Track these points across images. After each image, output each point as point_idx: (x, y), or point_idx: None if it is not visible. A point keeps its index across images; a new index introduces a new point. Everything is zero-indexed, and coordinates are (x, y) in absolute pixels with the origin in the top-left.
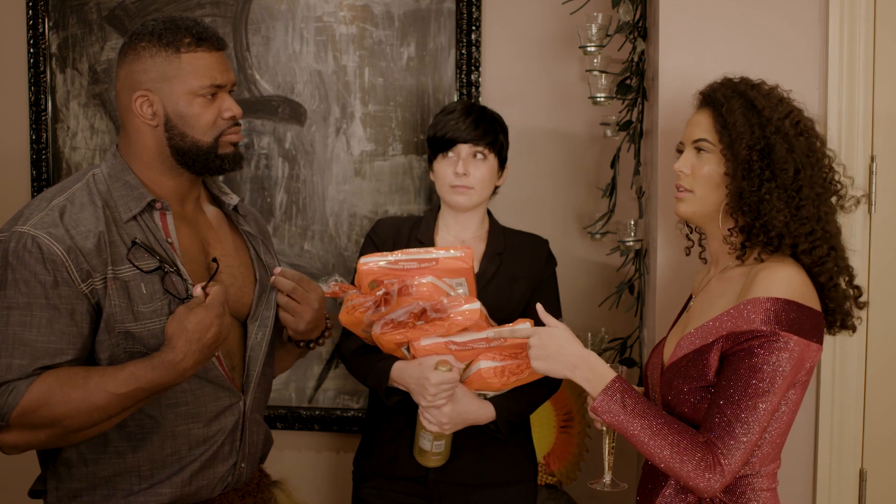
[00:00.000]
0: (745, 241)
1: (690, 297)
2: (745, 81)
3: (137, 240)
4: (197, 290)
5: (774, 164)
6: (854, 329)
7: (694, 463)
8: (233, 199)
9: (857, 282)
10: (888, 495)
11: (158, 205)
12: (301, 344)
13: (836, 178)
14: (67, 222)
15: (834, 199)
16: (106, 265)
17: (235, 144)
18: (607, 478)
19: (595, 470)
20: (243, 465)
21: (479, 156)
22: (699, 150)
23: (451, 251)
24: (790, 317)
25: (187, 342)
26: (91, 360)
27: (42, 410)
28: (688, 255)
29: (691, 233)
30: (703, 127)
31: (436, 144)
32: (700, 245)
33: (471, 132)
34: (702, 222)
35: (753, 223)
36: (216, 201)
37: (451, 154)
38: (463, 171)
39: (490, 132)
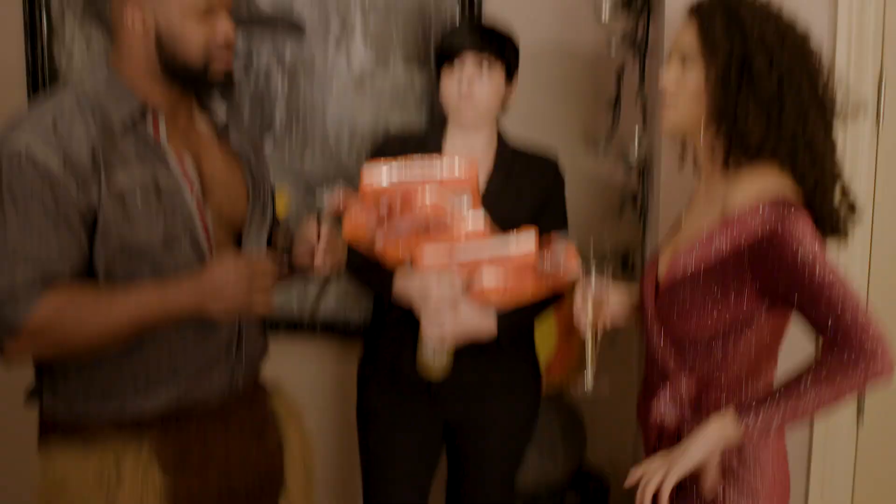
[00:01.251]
0: (727, 153)
1: (682, 213)
2: None
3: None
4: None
5: (753, 76)
6: (846, 234)
7: (846, 366)
8: (222, 118)
9: (860, 199)
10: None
11: (150, 110)
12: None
13: (830, 94)
14: (60, 134)
15: (828, 116)
16: (101, 176)
17: (227, 69)
18: (589, 381)
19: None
20: (240, 374)
21: (485, 63)
22: (683, 61)
23: (455, 163)
24: (785, 207)
25: (231, 280)
26: (91, 275)
27: (51, 326)
28: (681, 169)
29: (685, 148)
30: (687, 39)
31: (441, 55)
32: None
33: (475, 41)
34: (687, 134)
35: (731, 135)
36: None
37: (456, 65)
38: (468, 80)
39: (496, 40)
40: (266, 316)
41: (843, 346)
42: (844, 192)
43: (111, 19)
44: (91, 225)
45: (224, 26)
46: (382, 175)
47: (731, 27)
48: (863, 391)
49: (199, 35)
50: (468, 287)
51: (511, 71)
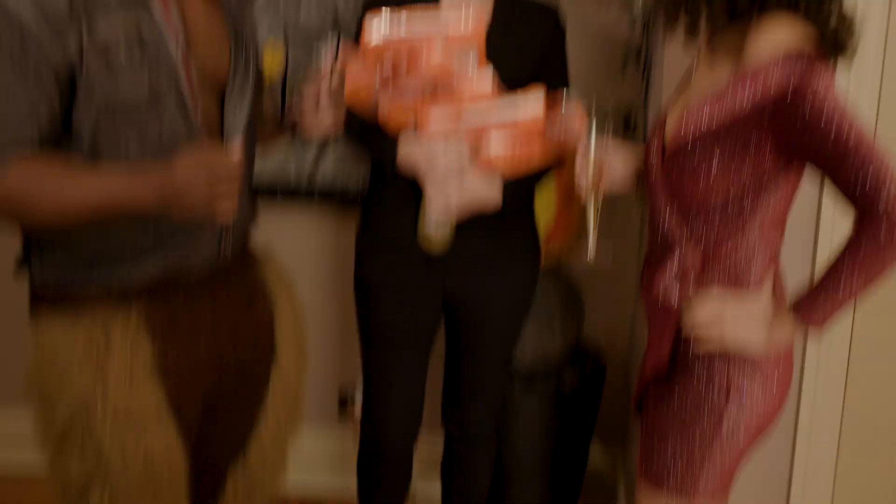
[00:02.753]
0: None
1: (692, 69)
2: None
3: None
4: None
5: None
6: (845, 49)
7: (888, 239)
8: None
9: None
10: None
11: None
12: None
13: None
14: None
15: None
16: (80, 25)
17: None
18: (591, 249)
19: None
20: (228, 241)
21: None
22: None
23: (462, 13)
24: (806, 59)
25: (194, 182)
26: (75, 143)
27: (11, 200)
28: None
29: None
30: None
31: None
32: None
33: None
34: None
35: None
36: None
37: None
38: None
39: None
40: (259, 184)
41: (876, 210)
42: (840, 13)
43: None
44: (70, 81)
45: None
46: (386, 29)
47: None
48: None
49: None
50: (475, 154)
51: None
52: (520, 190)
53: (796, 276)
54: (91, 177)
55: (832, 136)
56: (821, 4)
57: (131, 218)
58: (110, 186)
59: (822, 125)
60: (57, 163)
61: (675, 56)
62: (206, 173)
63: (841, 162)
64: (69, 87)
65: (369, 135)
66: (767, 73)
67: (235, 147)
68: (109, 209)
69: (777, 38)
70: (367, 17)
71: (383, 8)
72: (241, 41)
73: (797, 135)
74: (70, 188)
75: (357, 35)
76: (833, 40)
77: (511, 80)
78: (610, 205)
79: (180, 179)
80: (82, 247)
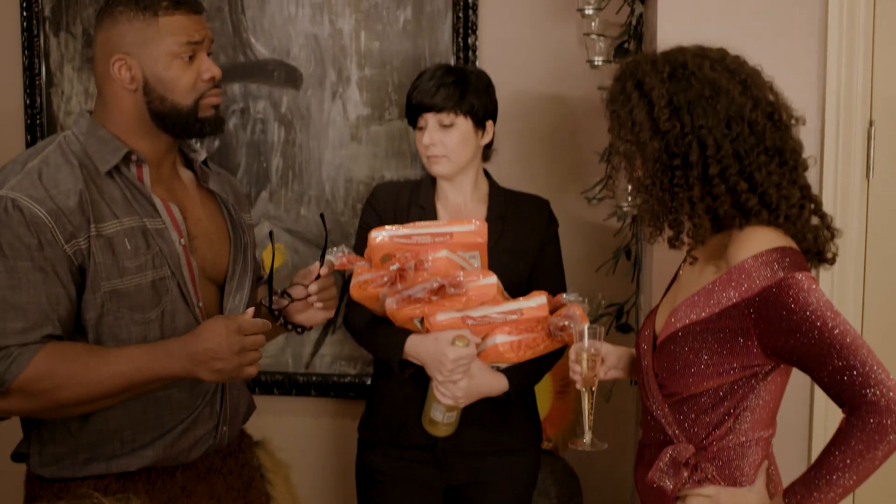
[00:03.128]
0: (712, 223)
1: (680, 268)
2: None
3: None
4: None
5: (690, 163)
6: (832, 262)
7: (875, 434)
8: (200, 156)
9: (852, 251)
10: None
11: (134, 157)
12: (299, 330)
13: (788, 142)
14: (46, 183)
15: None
16: (89, 223)
17: (216, 108)
18: (587, 437)
19: (595, 433)
20: (225, 428)
21: (444, 125)
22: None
23: (466, 225)
24: (788, 259)
25: (223, 349)
26: (78, 324)
27: (43, 383)
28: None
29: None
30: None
31: (408, 115)
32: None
33: (430, 99)
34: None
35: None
36: (188, 164)
37: (420, 125)
38: (429, 141)
39: (452, 95)
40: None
41: (865, 409)
42: (821, 216)
43: (96, 74)
44: (79, 275)
45: (207, 64)
46: (392, 237)
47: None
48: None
49: (186, 76)
50: (481, 349)
51: (481, 117)
52: (525, 380)
53: (792, 468)
54: (117, 353)
55: (815, 337)
56: (800, 212)
57: (138, 400)
58: (137, 360)
59: (804, 325)
60: (81, 344)
61: (663, 252)
62: (231, 337)
63: (824, 362)
64: (81, 279)
65: (376, 328)
66: (750, 273)
67: (250, 312)
68: (138, 382)
69: (760, 239)
70: (375, 230)
71: (377, 208)
72: (241, 238)
73: (781, 335)
74: (98, 365)
75: (358, 245)
76: (813, 246)
77: (509, 271)
78: (605, 388)
79: (208, 345)
80: (82, 438)
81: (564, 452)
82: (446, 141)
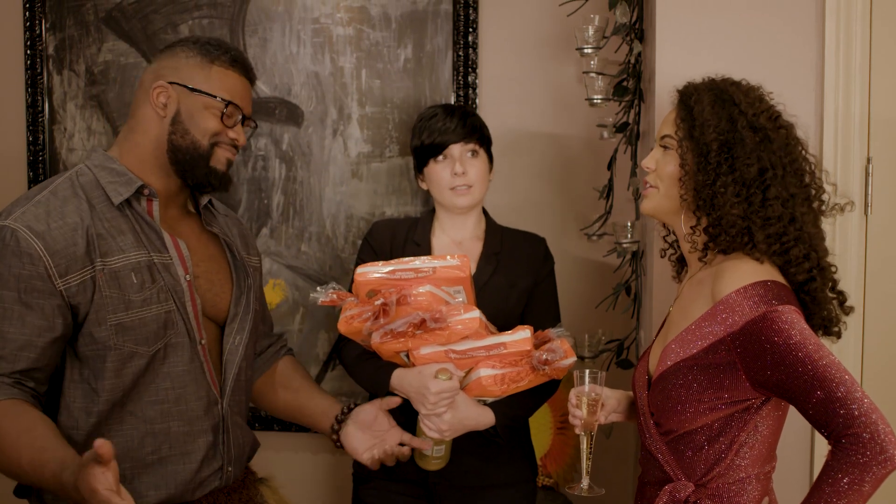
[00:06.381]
0: (708, 241)
1: (671, 306)
2: (725, 80)
3: None
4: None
5: (736, 158)
6: (838, 336)
7: (861, 468)
8: (205, 198)
9: (851, 288)
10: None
11: (146, 191)
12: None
13: (816, 181)
14: (51, 217)
15: (815, 205)
16: (93, 258)
17: (228, 166)
18: (585, 482)
19: (595, 471)
20: (230, 468)
21: (472, 153)
22: (665, 147)
23: (448, 259)
24: (771, 293)
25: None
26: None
27: None
28: (662, 256)
29: (668, 235)
30: (669, 122)
31: (426, 151)
32: (673, 248)
33: (461, 131)
34: (667, 220)
35: (712, 221)
36: (196, 207)
37: (442, 157)
38: (462, 169)
39: (477, 128)
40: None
41: (850, 441)
42: (835, 289)
43: (136, 95)
44: (69, 312)
45: (238, 128)
46: (379, 269)
47: (718, 107)
48: (880, 482)
49: (213, 123)
50: (465, 383)
51: (491, 154)
52: (512, 415)
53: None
54: (39, 451)
55: (798, 369)
56: (779, 237)
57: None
58: (48, 469)
59: (788, 358)
60: (33, 418)
61: (663, 288)
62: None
63: (808, 394)
64: (71, 315)
65: (364, 362)
66: (734, 308)
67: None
68: (39, 484)
69: (744, 273)
70: (361, 267)
71: (374, 244)
72: (243, 280)
73: (766, 368)
74: (16, 448)
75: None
76: (795, 276)
77: (503, 308)
78: (606, 426)
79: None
80: None
81: (564, 490)
82: (473, 170)
